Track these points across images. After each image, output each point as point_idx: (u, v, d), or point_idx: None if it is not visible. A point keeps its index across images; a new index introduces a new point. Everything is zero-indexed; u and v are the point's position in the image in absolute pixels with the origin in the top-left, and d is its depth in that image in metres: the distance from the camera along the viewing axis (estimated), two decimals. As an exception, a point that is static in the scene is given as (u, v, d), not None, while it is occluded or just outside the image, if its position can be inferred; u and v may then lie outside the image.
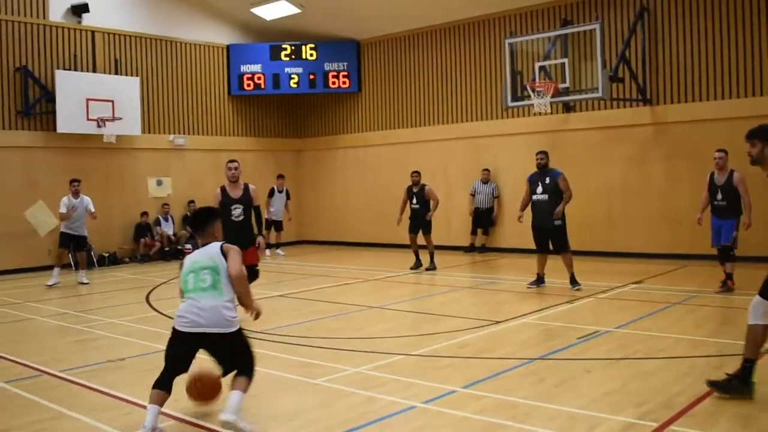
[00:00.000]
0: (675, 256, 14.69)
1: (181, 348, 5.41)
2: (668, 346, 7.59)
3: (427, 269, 14.71)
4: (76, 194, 14.20)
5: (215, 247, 5.67)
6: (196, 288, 5.42)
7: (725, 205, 10.87)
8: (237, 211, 10.04)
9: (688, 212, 14.15)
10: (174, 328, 5.44)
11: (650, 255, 15.23)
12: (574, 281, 11.59)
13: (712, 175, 11.06)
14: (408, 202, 15.01)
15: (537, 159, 12.08)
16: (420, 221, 14.83)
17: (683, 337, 7.99)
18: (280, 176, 19.39)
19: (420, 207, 14.81)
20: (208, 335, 5.32)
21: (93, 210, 14.37)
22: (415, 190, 14.92)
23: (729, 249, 10.92)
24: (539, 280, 11.97)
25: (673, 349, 7.46)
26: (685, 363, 6.91)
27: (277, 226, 19.23)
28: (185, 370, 5.46)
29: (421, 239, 14.75)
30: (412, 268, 14.86)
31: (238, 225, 9.89)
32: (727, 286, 10.93)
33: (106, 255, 17.64)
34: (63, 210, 14.05)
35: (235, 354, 5.46)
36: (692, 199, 14.47)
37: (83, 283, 14.33)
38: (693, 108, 15.05)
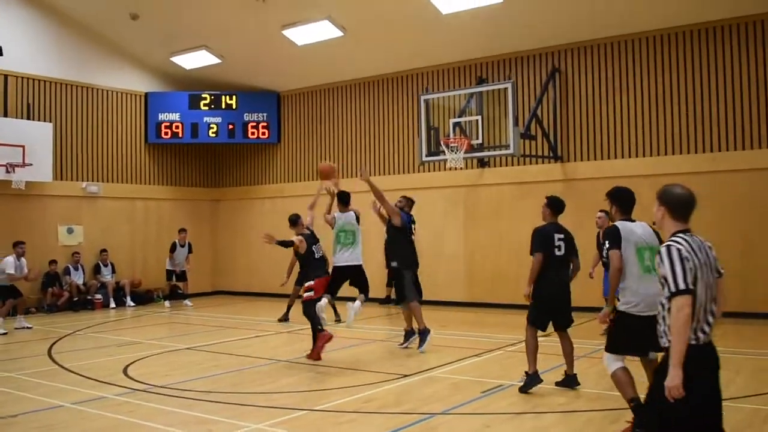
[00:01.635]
0: (587, 309, 14.96)
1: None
2: (569, 401, 7.71)
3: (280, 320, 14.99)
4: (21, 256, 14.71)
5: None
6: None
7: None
8: None
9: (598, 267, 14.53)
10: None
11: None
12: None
13: (598, 234, 11.86)
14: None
15: None
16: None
17: (584, 391, 8.12)
18: (182, 230, 18.97)
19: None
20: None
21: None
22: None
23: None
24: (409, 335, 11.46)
25: (573, 403, 7.57)
26: (583, 417, 7.02)
27: (180, 276, 18.87)
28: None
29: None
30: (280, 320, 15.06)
31: None
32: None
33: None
34: (12, 271, 14.35)
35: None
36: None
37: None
38: (602, 165, 15.54)
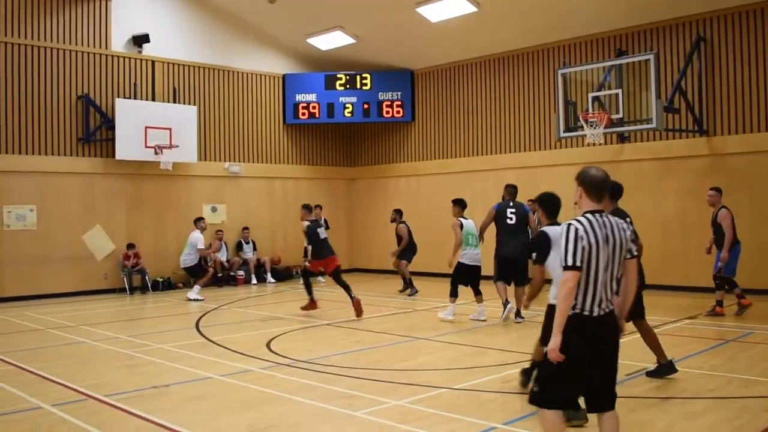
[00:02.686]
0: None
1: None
2: (719, 386, 7.38)
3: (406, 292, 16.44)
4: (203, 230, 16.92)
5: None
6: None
7: (715, 238, 12.27)
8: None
9: (747, 246, 13.81)
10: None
11: (707, 289, 14.83)
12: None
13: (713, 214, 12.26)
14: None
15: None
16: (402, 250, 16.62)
17: (735, 377, 7.76)
18: (317, 206, 18.83)
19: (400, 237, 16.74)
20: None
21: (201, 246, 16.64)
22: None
23: (715, 278, 12.20)
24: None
25: (723, 389, 7.25)
26: (736, 404, 6.71)
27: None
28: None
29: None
30: (400, 291, 16.70)
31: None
32: (714, 311, 12.10)
33: (161, 280, 17.92)
34: (203, 246, 16.83)
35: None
36: (750, 232, 14.17)
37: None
38: (751, 139, 14.74)
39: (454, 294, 12.16)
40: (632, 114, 14.95)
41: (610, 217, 4.53)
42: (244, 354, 9.50)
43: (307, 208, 13.73)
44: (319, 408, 6.82)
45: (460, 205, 12.76)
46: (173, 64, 18.83)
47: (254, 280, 19.21)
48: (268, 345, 10.13)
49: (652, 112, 14.05)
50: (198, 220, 16.82)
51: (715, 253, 12.27)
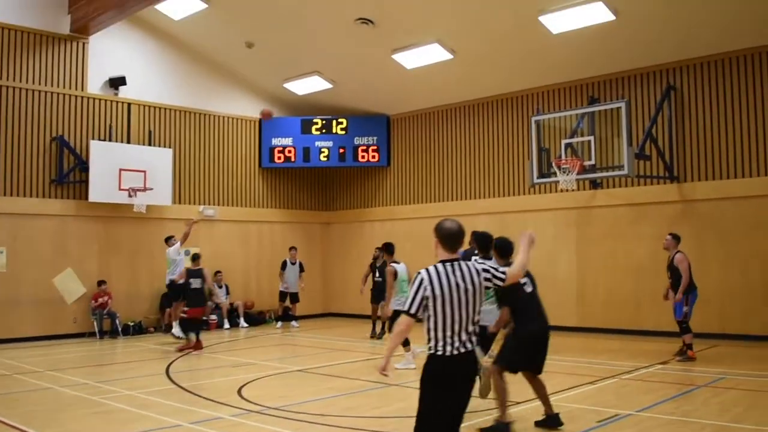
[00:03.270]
0: (703, 335, 14.37)
1: None
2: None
3: (378, 337, 16.36)
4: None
5: None
6: None
7: (672, 282, 12.47)
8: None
9: (717, 291, 13.95)
10: None
11: (678, 333, 14.91)
12: None
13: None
14: (372, 274, 17.31)
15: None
16: (381, 293, 15.57)
17: (707, 422, 7.76)
18: (292, 248, 19.55)
19: (382, 281, 15.67)
20: None
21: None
22: (377, 264, 16.90)
23: (680, 324, 12.33)
24: None
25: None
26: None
27: (293, 297, 19.25)
28: None
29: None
30: (371, 337, 16.52)
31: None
32: (684, 355, 12.17)
33: (132, 324, 17.70)
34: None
35: None
36: (721, 277, 14.33)
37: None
38: (720, 185, 14.95)
39: (405, 343, 11.90)
40: (604, 161, 15.17)
41: (464, 264, 4.90)
42: (214, 401, 9.37)
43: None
44: (289, 456, 6.73)
45: (388, 250, 13.01)
46: (149, 106, 18.84)
47: (227, 325, 19.05)
48: (239, 391, 10.01)
49: (623, 158, 14.24)
50: (168, 239, 16.69)
51: (672, 298, 12.46)
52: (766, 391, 9.29)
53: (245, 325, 19.32)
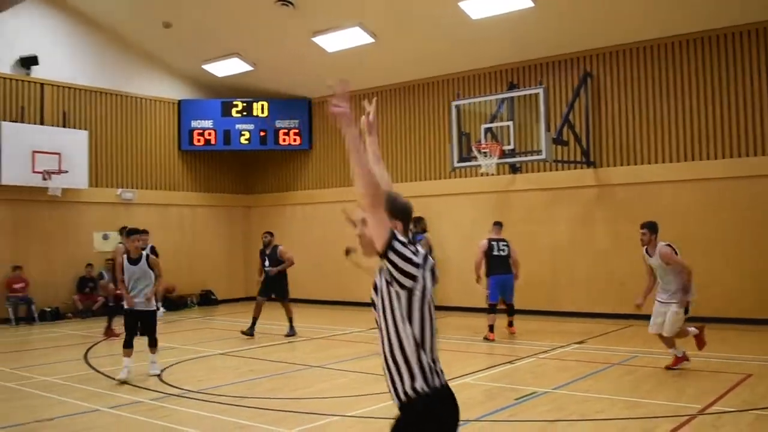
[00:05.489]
0: (618, 316, 14.85)
1: None
2: (604, 408, 7.64)
3: (286, 335, 14.00)
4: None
5: None
6: None
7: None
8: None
9: (630, 273, 14.39)
10: None
11: (594, 314, 15.39)
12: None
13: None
14: (261, 263, 14.66)
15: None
16: (272, 285, 14.34)
17: (619, 399, 8.05)
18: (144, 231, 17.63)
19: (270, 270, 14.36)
20: None
21: None
22: (267, 251, 14.59)
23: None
24: None
25: (608, 411, 7.51)
26: (618, 425, 6.96)
27: None
28: None
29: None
30: (243, 332, 13.94)
31: None
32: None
33: (48, 310, 17.25)
34: None
35: None
36: (634, 260, 14.77)
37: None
38: (636, 171, 15.41)
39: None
40: (523, 146, 15.45)
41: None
42: (134, 385, 9.25)
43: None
44: (210, 438, 6.71)
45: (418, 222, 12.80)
46: (63, 87, 18.28)
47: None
48: (159, 375, 9.89)
49: (541, 144, 14.53)
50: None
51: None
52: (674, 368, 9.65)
53: (164, 309, 18.99)
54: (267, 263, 14.48)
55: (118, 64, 19.47)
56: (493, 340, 12.68)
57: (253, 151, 21.77)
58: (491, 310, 13.04)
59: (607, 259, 15.53)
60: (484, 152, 14.96)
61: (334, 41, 17.47)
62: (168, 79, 20.65)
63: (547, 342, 12.32)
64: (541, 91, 14.64)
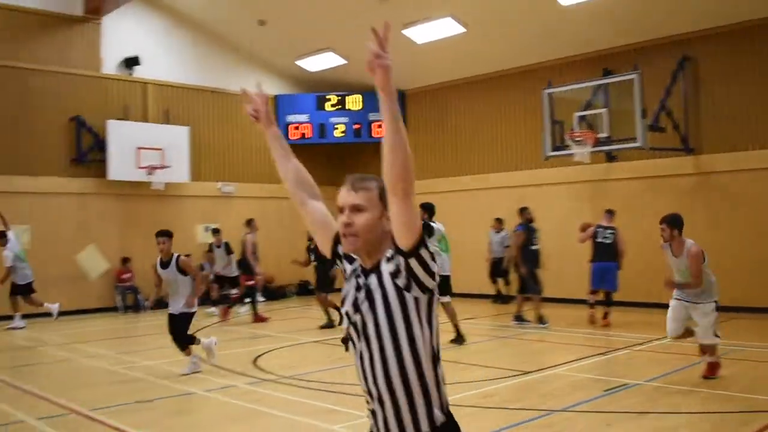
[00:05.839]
0: (721, 309, 14.34)
1: None
2: (697, 401, 7.45)
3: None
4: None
5: None
6: None
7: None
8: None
9: (734, 264, 13.90)
10: None
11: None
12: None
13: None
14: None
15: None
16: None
17: (715, 392, 7.83)
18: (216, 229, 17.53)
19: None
20: None
21: None
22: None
23: None
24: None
25: (702, 405, 7.32)
26: (712, 419, 6.79)
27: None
28: None
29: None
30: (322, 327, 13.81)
31: None
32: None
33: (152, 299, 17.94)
34: None
35: None
36: (736, 250, 14.30)
37: None
38: (738, 157, 14.86)
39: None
40: (619, 133, 15.09)
41: None
42: (230, 370, 9.58)
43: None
44: (298, 422, 6.90)
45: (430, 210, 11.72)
46: (165, 86, 19.00)
47: (247, 298, 19.20)
48: (254, 361, 10.21)
49: (637, 131, 14.20)
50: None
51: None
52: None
53: (262, 299, 19.43)
54: (313, 257, 14.82)
55: (216, 62, 20.08)
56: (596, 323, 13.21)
57: (348, 144, 22.04)
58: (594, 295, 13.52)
59: (708, 250, 15.00)
60: (578, 140, 14.74)
61: (424, 32, 17.48)
62: (264, 75, 21.11)
63: (644, 334, 12.06)
64: (636, 76, 14.31)
